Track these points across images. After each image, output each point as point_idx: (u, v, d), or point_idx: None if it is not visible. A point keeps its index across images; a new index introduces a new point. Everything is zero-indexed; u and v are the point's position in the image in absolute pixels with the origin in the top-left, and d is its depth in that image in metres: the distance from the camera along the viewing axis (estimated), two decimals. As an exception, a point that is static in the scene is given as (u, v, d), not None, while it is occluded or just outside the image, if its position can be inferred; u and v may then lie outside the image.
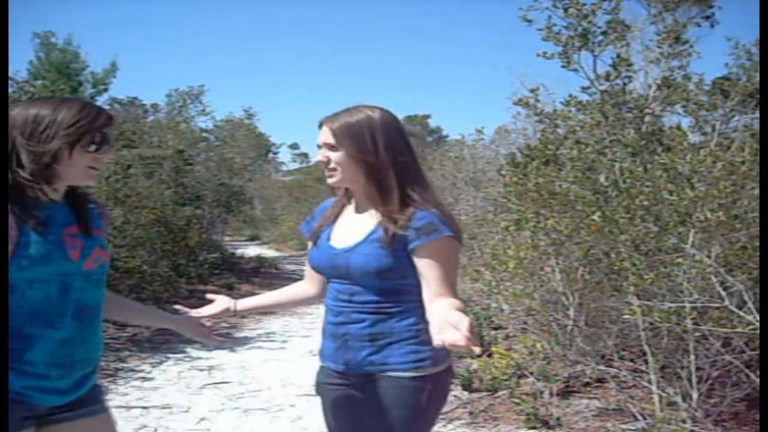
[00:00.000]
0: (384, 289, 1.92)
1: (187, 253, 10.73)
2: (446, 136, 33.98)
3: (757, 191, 3.72)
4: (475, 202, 9.15)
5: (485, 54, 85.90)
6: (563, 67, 5.65)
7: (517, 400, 4.47)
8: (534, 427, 4.26)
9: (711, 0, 7.43)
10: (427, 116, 41.97)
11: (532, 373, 4.96)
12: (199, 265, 11.21)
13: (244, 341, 7.25)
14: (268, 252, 19.47)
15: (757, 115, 5.50)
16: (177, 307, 2.23)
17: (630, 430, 4.12)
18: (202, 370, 5.97)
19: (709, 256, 3.65)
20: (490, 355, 5.45)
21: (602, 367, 4.57)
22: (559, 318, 5.04)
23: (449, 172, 10.26)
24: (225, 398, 5.14)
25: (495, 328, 6.52)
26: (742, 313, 3.43)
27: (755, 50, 5.89)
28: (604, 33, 5.55)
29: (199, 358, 6.35)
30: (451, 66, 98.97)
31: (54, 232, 1.75)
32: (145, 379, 5.69)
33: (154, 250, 9.22)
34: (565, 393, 4.81)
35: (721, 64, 6.43)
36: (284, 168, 40.23)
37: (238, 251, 16.70)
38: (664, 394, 4.03)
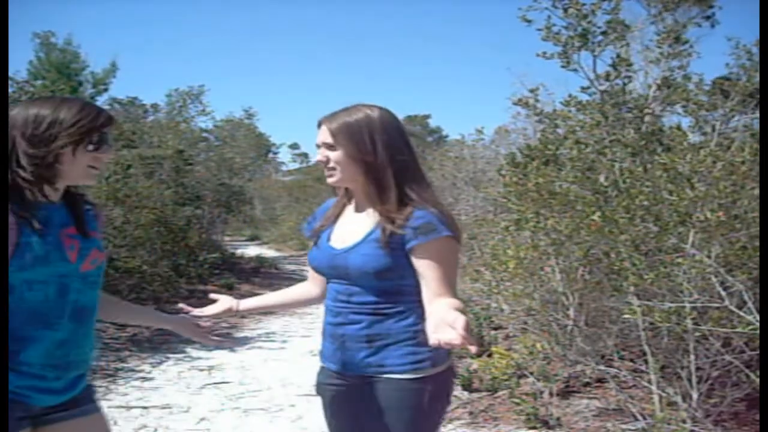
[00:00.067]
0: (383, 290, 1.92)
1: (187, 253, 10.72)
2: (446, 136, 34.01)
3: (757, 191, 3.72)
4: (475, 202, 9.14)
5: (485, 54, 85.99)
6: (563, 67, 5.65)
7: (517, 400, 4.47)
8: (534, 427, 4.25)
9: (711, 0, 7.43)
10: (427, 116, 41.96)
11: (532, 373, 4.96)
12: (199, 265, 11.19)
13: (244, 341, 7.24)
14: (268, 252, 19.46)
15: (757, 115, 5.50)
16: (180, 306, 2.21)
17: (630, 430, 4.12)
18: (202, 370, 5.97)
19: (709, 256, 3.65)
20: (490, 355, 5.45)
21: (602, 367, 4.57)
22: (559, 318, 5.04)
23: (449, 172, 10.25)
24: (225, 398, 5.14)
25: (495, 328, 6.52)
26: (742, 313, 3.42)
27: (755, 50, 5.87)
28: (603, 33, 5.55)
29: (199, 358, 6.35)
30: (451, 66, 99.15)
31: (52, 233, 1.75)
32: (145, 379, 5.69)
33: (154, 250, 9.22)
34: (565, 393, 4.81)
35: (721, 64, 6.42)
36: (284, 168, 40.30)
37: (238, 251, 16.69)
38: (664, 394, 4.03)
